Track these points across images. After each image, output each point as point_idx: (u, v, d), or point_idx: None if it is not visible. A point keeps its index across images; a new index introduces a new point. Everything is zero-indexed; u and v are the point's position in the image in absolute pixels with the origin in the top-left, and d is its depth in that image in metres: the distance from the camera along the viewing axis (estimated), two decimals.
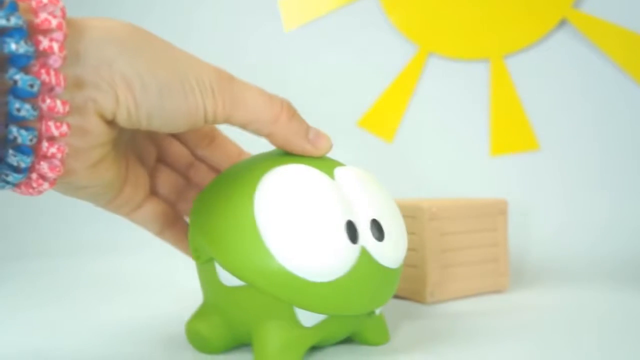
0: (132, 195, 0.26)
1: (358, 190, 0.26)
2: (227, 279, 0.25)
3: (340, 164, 0.27)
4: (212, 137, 0.30)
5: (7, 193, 0.69)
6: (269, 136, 0.26)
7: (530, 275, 0.49)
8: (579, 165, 0.61)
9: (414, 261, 0.39)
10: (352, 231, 0.24)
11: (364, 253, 0.25)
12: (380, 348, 0.28)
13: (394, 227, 0.26)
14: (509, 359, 0.26)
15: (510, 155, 0.63)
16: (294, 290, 0.23)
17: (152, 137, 0.29)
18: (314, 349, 0.27)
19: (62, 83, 0.20)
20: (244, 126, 0.25)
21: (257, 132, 0.25)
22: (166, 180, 0.29)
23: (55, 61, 0.19)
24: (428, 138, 0.65)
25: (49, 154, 0.20)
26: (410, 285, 0.40)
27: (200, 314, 0.27)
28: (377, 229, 0.25)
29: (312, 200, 0.24)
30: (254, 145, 0.30)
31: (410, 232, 0.39)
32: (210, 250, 0.25)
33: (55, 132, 0.20)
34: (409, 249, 0.39)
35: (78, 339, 0.31)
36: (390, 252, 0.26)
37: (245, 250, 0.24)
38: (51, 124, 0.20)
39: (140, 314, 0.37)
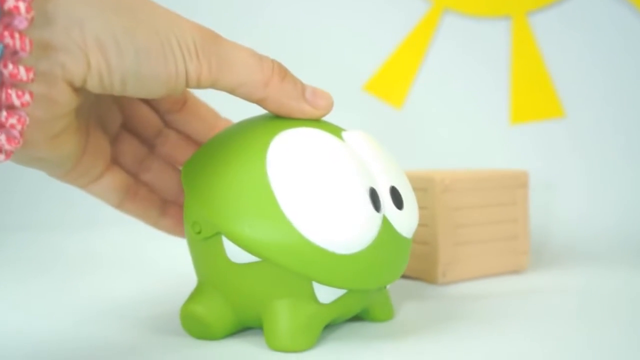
0: (90, 166, 0.26)
1: (372, 156, 0.26)
2: (236, 255, 0.24)
3: (343, 129, 0.27)
4: (183, 101, 0.29)
5: None
6: (261, 101, 0.25)
7: (551, 255, 0.48)
8: (608, 135, 0.60)
9: (425, 238, 0.39)
10: (375, 199, 0.24)
11: (386, 222, 0.25)
12: (386, 331, 0.28)
13: (409, 195, 0.27)
14: (527, 345, 0.25)
15: (533, 123, 0.62)
16: (317, 265, 0.23)
17: (119, 101, 0.28)
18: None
19: (28, 47, 0.19)
20: (232, 90, 0.24)
21: (248, 97, 0.25)
22: (128, 149, 0.29)
23: (20, 22, 0.19)
24: (441, 104, 0.64)
25: (7, 124, 0.19)
26: (421, 265, 0.39)
27: (198, 295, 0.26)
28: (397, 197, 0.26)
29: (332, 165, 0.24)
30: (233, 109, 0.29)
31: (421, 207, 0.39)
32: (218, 224, 0.24)
33: (17, 102, 0.19)
34: (420, 225, 0.38)
35: (56, 318, 0.31)
36: (408, 221, 0.26)
37: (263, 222, 0.23)
38: (12, 92, 0.19)
39: (124, 292, 0.36)
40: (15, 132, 0.20)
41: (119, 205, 0.28)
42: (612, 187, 0.58)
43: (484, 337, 0.26)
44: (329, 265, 0.23)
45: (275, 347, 0.24)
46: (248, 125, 0.26)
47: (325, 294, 0.24)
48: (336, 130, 0.26)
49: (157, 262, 0.46)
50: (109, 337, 0.27)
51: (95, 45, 0.20)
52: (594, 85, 0.61)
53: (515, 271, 0.42)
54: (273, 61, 0.25)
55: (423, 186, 0.38)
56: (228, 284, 0.25)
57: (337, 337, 0.26)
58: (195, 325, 0.26)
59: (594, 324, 0.29)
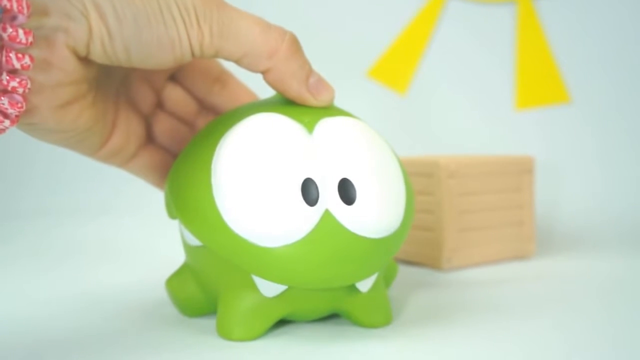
0: (122, 144, 0.26)
1: (336, 146, 0.24)
2: (190, 238, 0.25)
3: (336, 114, 0.26)
4: (223, 83, 0.29)
5: None
6: (264, 73, 0.25)
7: (558, 241, 0.49)
8: (614, 121, 0.60)
9: (430, 224, 0.39)
10: (310, 191, 0.23)
11: (328, 217, 0.23)
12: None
13: (379, 190, 0.24)
14: (533, 332, 0.26)
15: (538, 109, 0.62)
16: (244, 255, 0.23)
17: (149, 81, 0.28)
18: (299, 323, 0.27)
19: (25, 11, 0.19)
20: (237, 61, 0.24)
21: (252, 68, 0.24)
22: (166, 128, 0.29)
23: None
24: (446, 90, 0.64)
25: (9, 87, 0.20)
26: (425, 250, 0.40)
27: (178, 273, 0.28)
28: (346, 190, 0.24)
29: (268, 155, 0.23)
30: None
31: (426, 192, 0.39)
32: (174, 207, 0.25)
33: (17, 64, 0.20)
34: (424, 211, 0.39)
35: (66, 305, 0.31)
36: (365, 218, 0.24)
37: (199, 208, 0.24)
38: (12, 55, 0.20)
39: (137, 280, 0.37)
40: (17, 96, 0.20)
41: (160, 184, 0.29)
42: (618, 172, 0.58)
43: (489, 324, 0.26)
44: (256, 257, 0.23)
45: (220, 334, 0.24)
46: (235, 110, 0.27)
47: (266, 287, 0.24)
48: (316, 117, 0.25)
49: (172, 250, 0.46)
50: (118, 324, 0.28)
51: (95, 11, 0.21)
52: (599, 71, 0.61)
53: (522, 257, 0.42)
54: (286, 32, 0.24)
55: (428, 171, 0.39)
56: (192, 265, 0.27)
57: (339, 322, 0.27)
58: (173, 300, 0.28)
59: (600, 311, 0.29)
